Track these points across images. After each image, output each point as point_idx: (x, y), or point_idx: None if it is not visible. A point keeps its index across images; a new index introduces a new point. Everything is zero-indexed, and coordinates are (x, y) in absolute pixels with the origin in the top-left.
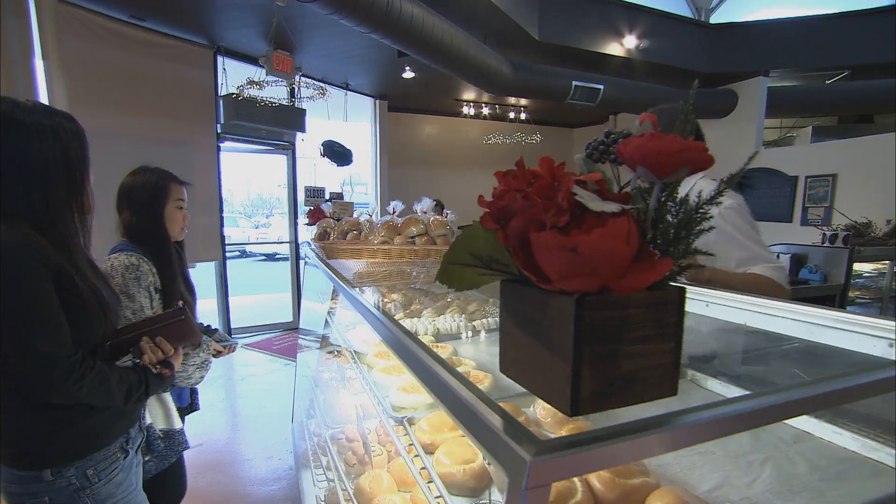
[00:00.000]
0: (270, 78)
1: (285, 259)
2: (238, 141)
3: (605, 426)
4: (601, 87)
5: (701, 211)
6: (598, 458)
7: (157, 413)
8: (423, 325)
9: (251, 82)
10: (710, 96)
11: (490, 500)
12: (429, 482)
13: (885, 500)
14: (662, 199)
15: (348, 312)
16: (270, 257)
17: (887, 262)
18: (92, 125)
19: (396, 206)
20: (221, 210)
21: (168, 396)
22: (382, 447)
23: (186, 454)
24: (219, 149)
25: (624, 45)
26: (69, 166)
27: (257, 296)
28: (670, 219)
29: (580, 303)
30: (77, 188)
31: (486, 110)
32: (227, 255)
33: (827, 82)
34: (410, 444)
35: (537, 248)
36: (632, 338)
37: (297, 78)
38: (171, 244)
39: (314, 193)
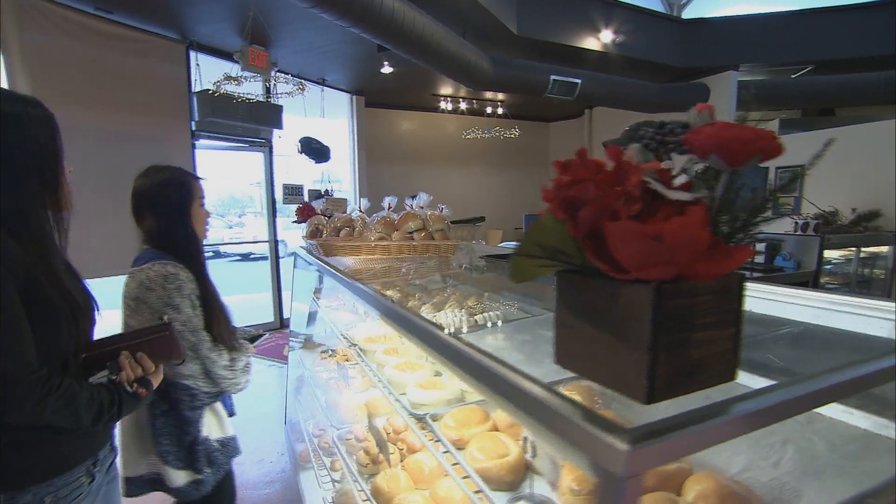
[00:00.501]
0: (248, 73)
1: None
2: (213, 138)
3: (675, 413)
4: (579, 81)
5: (771, 199)
6: (687, 443)
7: (212, 424)
8: None
9: (228, 77)
10: (682, 90)
11: (532, 490)
12: (464, 477)
13: None
14: (731, 187)
15: (351, 310)
16: (245, 257)
17: (853, 248)
18: (58, 122)
19: (391, 201)
20: None
21: (220, 405)
22: (394, 445)
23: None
24: (194, 146)
25: (600, 40)
26: (39, 158)
27: (235, 297)
28: (737, 206)
29: (658, 291)
30: (50, 182)
31: (463, 105)
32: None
33: (792, 76)
34: (437, 441)
35: (614, 238)
36: (700, 325)
37: (272, 73)
38: (202, 246)
39: (293, 191)
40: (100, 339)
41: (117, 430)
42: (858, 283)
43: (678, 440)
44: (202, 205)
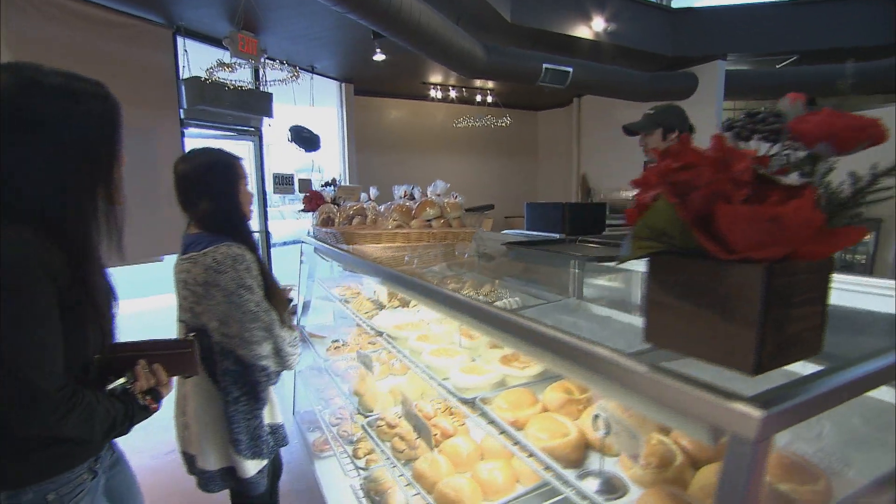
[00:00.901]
0: (242, 60)
1: None
2: (202, 127)
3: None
4: (570, 69)
5: (875, 184)
6: (805, 408)
7: (265, 409)
8: None
9: (222, 64)
10: (671, 79)
11: (601, 468)
12: (529, 456)
13: None
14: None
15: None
16: None
17: None
18: None
19: (408, 189)
20: None
21: (273, 391)
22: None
23: (176, 454)
24: (183, 135)
25: (592, 28)
26: (91, 140)
27: None
28: (837, 190)
29: (769, 270)
30: (103, 170)
31: (453, 93)
32: None
33: (777, 66)
34: (491, 422)
35: (729, 220)
36: (797, 302)
37: (262, 60)
38: (249, 229)
39: (283, 181)
40: (121, 343)
41: (194, 424)
42: (841, 268)
43: (799, 406)
44: (246, 185)
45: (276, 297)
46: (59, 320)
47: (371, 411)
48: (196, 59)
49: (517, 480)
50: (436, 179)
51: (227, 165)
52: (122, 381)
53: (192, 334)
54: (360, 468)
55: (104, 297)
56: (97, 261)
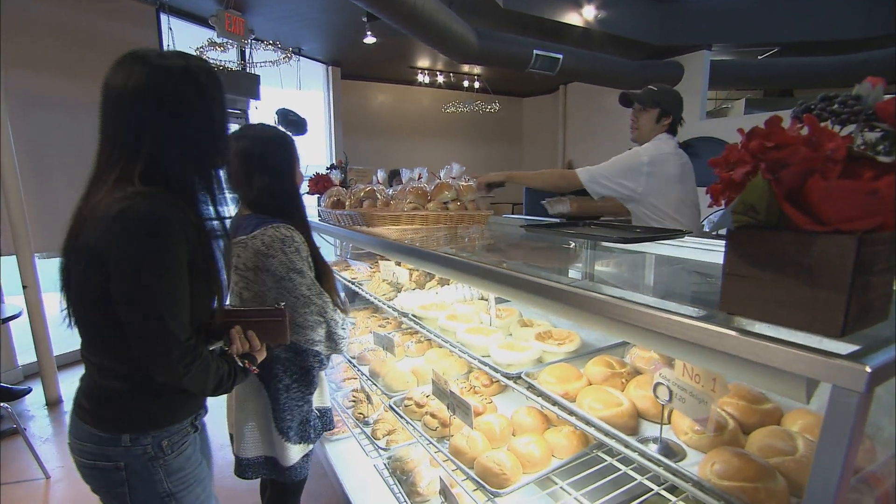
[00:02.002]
0: (232, 40)
1: None
2: None
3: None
4: (560, 56)
5: None
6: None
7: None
8: (462, 291)
9: (212, 43)
10: (658, 67)
11: (661, 435)
12: (588, 425)
13: None
14: None
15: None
16: None
17: None
18: (19, 88)
19: (422, 172)
20: None
21: (324, 375)
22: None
23: None
24: None
25: (583, 15)
26: (215, 120)
27: None
28: None
29: (860, 240)
30: (220, 144)
31: (440, 78)
32: None
33: (759, 58)
34: (539, 395)
35: (824, 195)
36: (877, 270)
37: (249, 41)
38: (304, 209)
39: None
40: (228, 310)
41: (237, 411)
42: None
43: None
44: (298, 165)
45: (327, 279)
46: (188, 276)
47: (395, 392)
48: (181, 37)
49: (552, 453)
50: (422, 165)
51: (288, 143)
52: (219, 343)
53: (283, 304)
54: (382, 448)
55: (216, 264)
56: (212, 229)
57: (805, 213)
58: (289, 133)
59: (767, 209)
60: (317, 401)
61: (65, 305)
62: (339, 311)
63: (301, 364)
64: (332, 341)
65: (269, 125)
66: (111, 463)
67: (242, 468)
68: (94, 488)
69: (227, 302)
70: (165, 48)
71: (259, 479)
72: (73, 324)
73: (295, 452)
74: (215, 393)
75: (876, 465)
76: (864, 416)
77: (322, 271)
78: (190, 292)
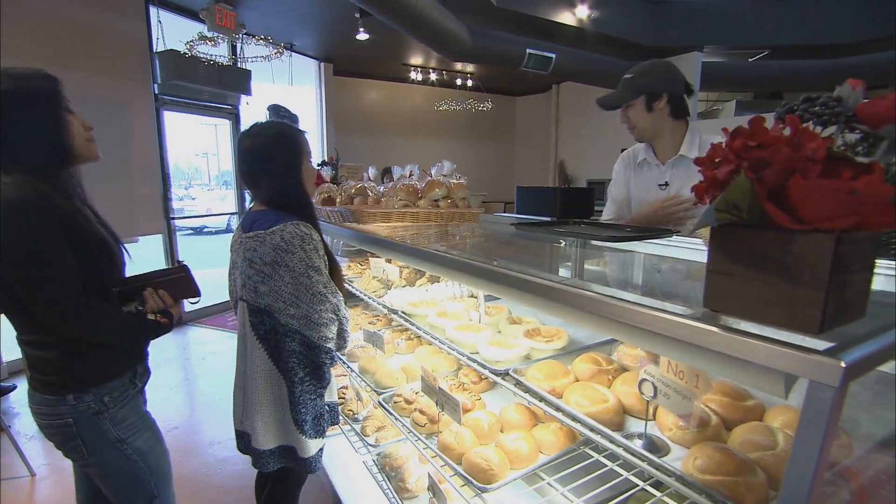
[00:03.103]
0: (224, 34)
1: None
2: (178, 103)
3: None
4: (553, 55)
5: None
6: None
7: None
8: (452, 288)
9: (203, 37)
10: None
11: (646, 431)
12: (574, 421)
13: None
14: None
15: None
16: (198, 231)
17: None
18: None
19: (413, 169)
20: (168, 178)
21: (330, 371)
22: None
23: (165, 440)
24: (157, 111)
25: (576, 15)
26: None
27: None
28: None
29: (839, 239)
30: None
31: (433, 76)
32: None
33: (749, 60)
34: (527, 391)
35: (804, 194)
36: (854, 269)
37: (240, 35)
38: (314, 207)
39: None
40: (130, 277)
41: (254, 404)
42: None
43: (869, 357)
44: (310, 161)
45: (339, 277)
46: (66, 245)
47: (385, 388)
48: (171, 31)
49: (539, 449)
50: (414, 162)
51: (292, 140)
52: (134, 304)
53: (183, 260)
54: (371, 445)
55: (106, 236)
56: (81, 201)
57: (786, 212)
58: (298, 130)
59: (750, 207)
60: (327, 396)
61: None
62: (348, 309)
63: (313, 359)
64: (342, 339)
65: (277, 122)
66: (62, 420)
67: (263, 460)
68: (56, 445)
69: (238, 295)
70: (155, 42)
71: (254, 477)
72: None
73: (312, 446)
74: (130, 341)
75: (852, 459)
76: (839, 410)
77: (334, 268)
78: (79, 260)
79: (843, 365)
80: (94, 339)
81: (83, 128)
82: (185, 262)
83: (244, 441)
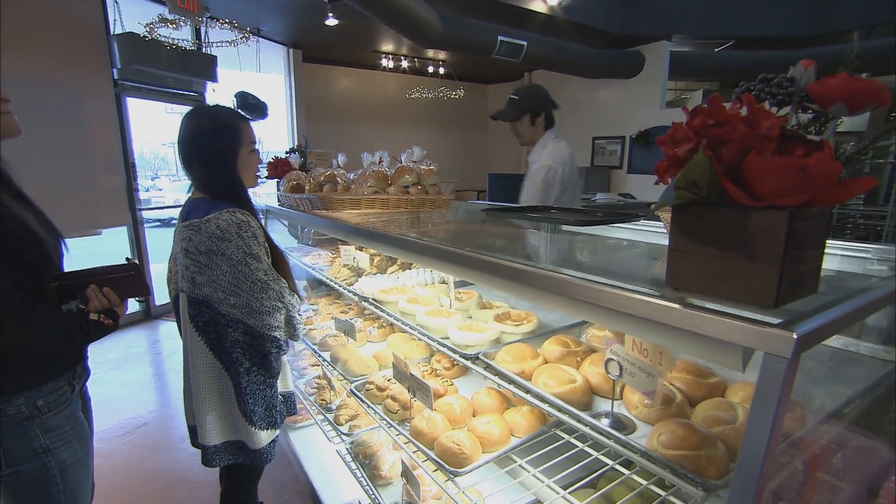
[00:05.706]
0: (186, 17)
1: None
2: (139, 89)
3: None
4: (525, 43)
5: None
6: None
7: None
8: (423, 275)
9: (164, 20)
10: (619, 57)
11: (612, 410)
12: (543, 402)
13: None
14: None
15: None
16: (165, 223)
17: None
18: None
19: (383, 156)
20: (133, 167)
21: (286, 360)
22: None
23: (136, 436)
24: (119, 97)
25: (547, 3)
26: None
27: (160, 265)
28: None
29: (792, 215)
30: None
31: (405, 63)
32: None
33: (715, 50)
34: (497, 374)
35: (759, 171)
36: (807, 245)
37: (204, 19)
38: (249, 196)
39: None
40: (71, 272)
41: (196, 398)
42: None
43: (821, 328)
44: (252, 150)
45: (283, 265)
46: None
47: (357, 377)
48: (129, 12)
49: (511, 432)
50: (384, 150)
51: (225, 127)
52: (75, 302)
53: (134, 258)
54: (344, 434)
55: (38, 228)
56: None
57: (742, 189)
58: (241, 114)
59: (709, 185)
60: (280, 386)
61: None
62: (295, 296)
63: (258, 349)
64: (291, 326)
65: (213, 108)
66: None
67: (210, 456)
68: None
69: (180, 286)
70: (111, 23)
71: (218, 470)
72: None
73: (263, 437)
74: (69, 346)
75: (805, 429)
76: (791, 381)
77: (277, 257)
78: (4, 257)
79: (794, 336)
80: (30, 344)
81: None
82: (135, 260)
83: (195, 436)
